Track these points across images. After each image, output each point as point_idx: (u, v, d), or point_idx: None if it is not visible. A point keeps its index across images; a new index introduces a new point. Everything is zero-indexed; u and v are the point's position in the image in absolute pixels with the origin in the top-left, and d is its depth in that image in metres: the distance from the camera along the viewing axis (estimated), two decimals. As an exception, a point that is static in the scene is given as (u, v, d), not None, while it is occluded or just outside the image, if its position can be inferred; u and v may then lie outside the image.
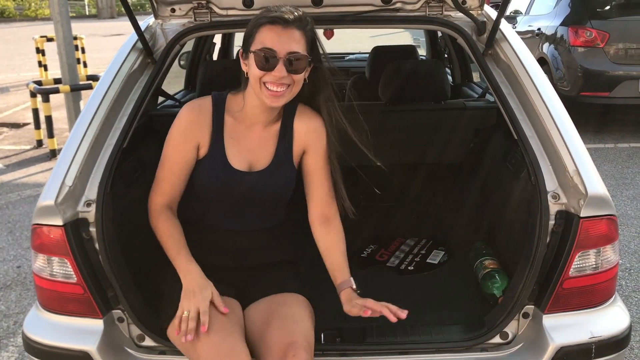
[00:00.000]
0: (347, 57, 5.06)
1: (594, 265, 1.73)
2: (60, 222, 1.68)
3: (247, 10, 2.09)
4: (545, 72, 6.59)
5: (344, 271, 1.84)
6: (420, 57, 4.39)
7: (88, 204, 1.74)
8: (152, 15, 2.18)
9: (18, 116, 8.14)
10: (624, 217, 4.19)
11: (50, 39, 9.19)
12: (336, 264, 1.86)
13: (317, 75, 1.82)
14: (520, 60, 1.94)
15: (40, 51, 9.90)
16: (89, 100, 1.93)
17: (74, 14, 29.50)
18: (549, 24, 6.62)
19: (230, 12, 2.11)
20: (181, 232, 1.82)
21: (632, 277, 3.37)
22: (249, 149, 1.83)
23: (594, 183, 1.68)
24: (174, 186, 1.84)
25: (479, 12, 2.13)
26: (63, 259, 1.71)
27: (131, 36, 2.07)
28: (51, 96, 6.04)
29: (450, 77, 3.98)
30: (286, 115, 1.86)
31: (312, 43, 1.76)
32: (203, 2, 2.07)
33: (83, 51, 10.49)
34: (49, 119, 6.05)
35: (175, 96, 3.31)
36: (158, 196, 1.84)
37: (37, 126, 6.47)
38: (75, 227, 1.71)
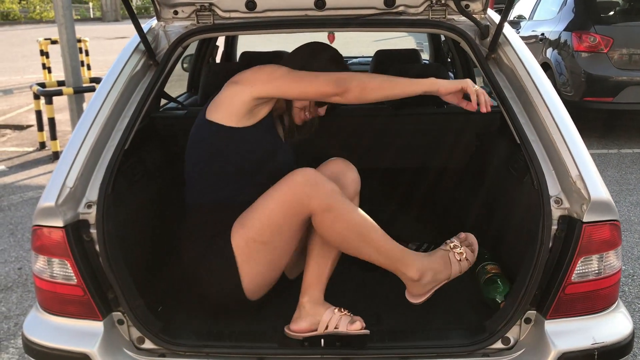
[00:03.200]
0: (351, 61, 5.06)
1: (597, 271, 1.71)
2: (60, 224, 1.68)
3: (250, 13, 2.09)
4: (549, 77, 6.56)
5: None
6: (424, 61, 4.39)
7: (89, 206, 1.73)
8: (155, 17, 2.18)
9: (21, 118, 8.16)
10: (627, 223, 4.17)
11: (54, 42, 9.23)
12: None
13: None
14: (524, 64, 1.94)
15: (44, 54, 9.94)
16: (91, 102, 1.92)
17: (79, 17, 29.63)
18: (552, 29, 6.61)
19: (233, 14, 2.10)
20: None
21: (635, 284, 3.36)
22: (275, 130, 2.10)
23: (597, 188, 1.67)
24: None
25: (482, 15, 2.12)
26: (63, 260, 1.71)
27: (133, 38, 2.07)
28: (54, 98, 6.06)
29: None
30: None
31: None
32: (206, 4, 2.07)
33: (87, 54, 10.53)
34: (52, 121, 6.06)
35: (178, 99, 3.31)
36: (332, 73, 1.94)
37: (40, 128, 6.49)
38: (75, 229, 1.71)
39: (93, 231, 1.72)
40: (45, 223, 1.70)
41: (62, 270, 1.73)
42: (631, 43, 5.97)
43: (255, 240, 1.87)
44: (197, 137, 2.01)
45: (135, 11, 2.01)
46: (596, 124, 6.77)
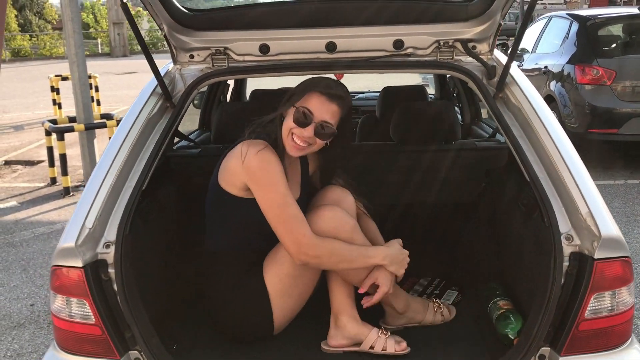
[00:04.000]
0: (357, 96, 5.15)
1: (610, 307, 1.73)
2: (79, 264, 1.71)
3: (263, 56, 2.16)
4: (553, 109, 6.68)
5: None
6: (429, 96, 4.46)
7: (107, 246, 1.77)
8: (171, 61, 2.25)
9: (32, 154, 8.26)
10: (637, 255, 4.17)
11: (64, 78, 9.39)
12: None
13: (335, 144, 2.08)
14: (530, 103, 1.99)
15: (55, 90, 10.11)
16: (110, 143, 1.98)
17: (88, 53, 30.10)
18: (555, 62, 6.71)
19: (247, 57, 2.18)
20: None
21: (647, 317, 3.34)
22: (290, 180, 2.04)
23: (608, 224, 1.70)
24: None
25: (489, 56, 2.19)
26: (82, 300, 1.74)
27: (151, 81, 2.14)
28: (65, 134, 6.15)
29: (459, 116, 4.04)
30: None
31: (344, 119, 2.04)
32: (221, 48, 2.15)
33: (97, 89, 10.69)
34: (63, 157, 6.14)
35: (190, 136, 3.37)
36: (306, 228, 1.91)
37: (52, 164, 6.57)
38: (94, 269, 1.74)
39: (111, 270, 1.75)
40: (64, 263, 1.73)
41: (80, 310, 1.76)
42: (634, 75, 6.05)
43: (288, 275, 1.98)
44: (213, 196, 2.07)
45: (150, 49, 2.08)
46: (602, 155, 6.80)
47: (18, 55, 29.21)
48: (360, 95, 5.17)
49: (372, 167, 2.69)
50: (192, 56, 2.20)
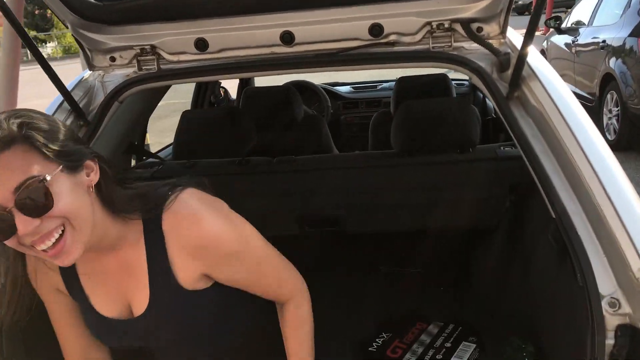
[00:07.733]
0: (380, 86, 4.54)
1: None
2: None
3: (202, 54, 1.67)
4: (613, 89, 5.88)
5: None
6: (456, 82, 3.87)
7: None
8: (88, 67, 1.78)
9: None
10: None
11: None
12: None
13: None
14: (556, 105, 1.40)
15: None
16: None
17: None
18: (615, 35, 5.92)
19: (182, 57, 1.69)
20: None
21: None
22: (115, 285, 1.26)
23: (672, 288, 1.14)
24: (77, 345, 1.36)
25: (501, 40, 1.60)
26: None
27: (58, 97, 1.68)
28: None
29: (491, 105, 3.43)
30: (147, 224, 1.21)
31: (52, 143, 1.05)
32: (147, 47, 1.66)
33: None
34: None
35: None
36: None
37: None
38: None
39: None
40: None
41: None
42: None
43: None
44: None
45: (45, 56, 1.59)
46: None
47: (69, 52, 29.90)
48: (384, 84, 4.55)
49: (366, 185, 2.16)
50: (113, 58, 1.71)
